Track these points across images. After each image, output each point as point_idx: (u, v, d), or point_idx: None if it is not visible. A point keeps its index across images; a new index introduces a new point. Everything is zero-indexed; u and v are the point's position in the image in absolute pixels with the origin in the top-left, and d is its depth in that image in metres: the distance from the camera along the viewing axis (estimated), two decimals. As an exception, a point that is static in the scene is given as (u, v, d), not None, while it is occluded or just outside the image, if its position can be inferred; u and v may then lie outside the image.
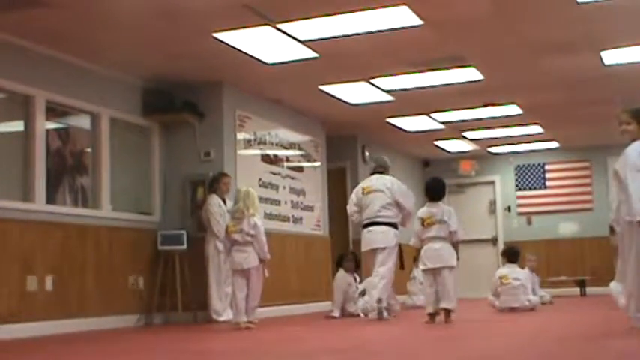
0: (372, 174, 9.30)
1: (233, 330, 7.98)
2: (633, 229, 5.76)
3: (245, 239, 8.07)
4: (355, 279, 10.19)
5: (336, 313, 9.82)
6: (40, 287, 8.23)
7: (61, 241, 8.59)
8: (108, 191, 9.39)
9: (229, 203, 9.60)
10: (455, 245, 7.89)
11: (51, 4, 7.22)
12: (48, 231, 8.43)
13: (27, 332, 7.86)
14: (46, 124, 8.60)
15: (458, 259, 7.91)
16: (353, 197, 9.27)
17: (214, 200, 9.55)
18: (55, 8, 7.34)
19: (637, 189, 5.71)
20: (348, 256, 10.54)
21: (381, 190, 8.89)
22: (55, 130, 8.94)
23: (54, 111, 8.83)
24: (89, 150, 9.40)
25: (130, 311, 9.45)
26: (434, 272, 7.79)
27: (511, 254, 10.35)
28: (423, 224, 7.91)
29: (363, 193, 9.05)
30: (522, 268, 10.67)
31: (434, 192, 8.10)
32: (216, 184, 9.67)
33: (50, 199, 8.61)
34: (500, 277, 9.91)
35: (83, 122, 9.37)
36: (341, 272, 10.15)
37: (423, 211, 8.00)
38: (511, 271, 9.98)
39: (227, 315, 9.38)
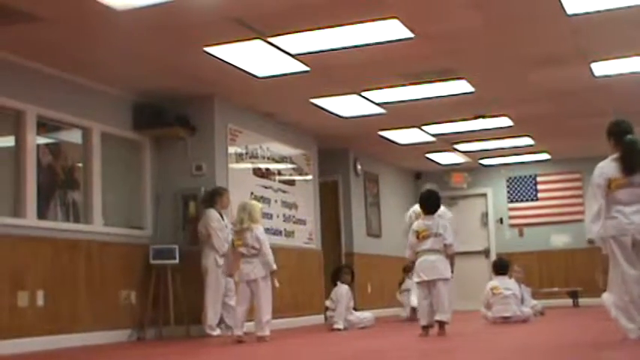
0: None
1: (229, 344, 7.94)
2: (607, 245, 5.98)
3: (251, 252, 8.11)
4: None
5: (341, 325, 9.83)
6: (31, 302, 8.18)
7: (52, 256, 8.55)
8: (99, 206, 9.36)
9: (226, 218, 9.62)
10: (450, 258, 7.88)
11: (43, 19, 7.21)
12: (39, 246, 8.39)
13: (18, 348, 7.80)
14: (37, 139, 8.57)
15: (453, 272, 7.90)
16: (407, 221, 10.09)
17: (214, 214, 9.54)
18: (46, 23, 7.32)
19: (590, 208, 6.10)
20: (345, 269, 10.59)
21: None
22: (46, 145, 8.92)
23: (45, 126, 8.80)
24: (80, 165, 9.37)
25: (122, 326, 9.40)
26: (428, 285, 7.77)
27: (499, 266, 10.37)
28: (417, 237, 7.88)
29: (416, 218, 9.91)
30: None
31: (429, 204, 8.08)
32: (217, 197, 9.65)
33: (41, 214, 8.56)
34: (492, 289, 9.93)
35: (74, 137, 9.34)
36: (342, 285, 10.14)
37: (419, 224, 7.98)
38: (502, 282, 9.99)
39: (220, 330, 9.36)
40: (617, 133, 6.06)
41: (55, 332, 8.39)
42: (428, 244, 7.82)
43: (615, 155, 6.01)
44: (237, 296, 8.24)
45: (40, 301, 8.29)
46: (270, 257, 8.18)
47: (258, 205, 8.50)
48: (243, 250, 8.16)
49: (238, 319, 8.11)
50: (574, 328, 8.84)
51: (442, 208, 10.46)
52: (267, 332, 8.08)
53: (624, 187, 5.89)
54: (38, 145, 8.63)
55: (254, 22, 7.62)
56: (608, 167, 5.98)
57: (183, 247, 9.85)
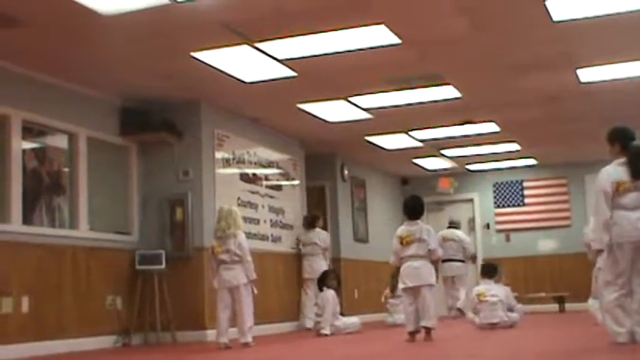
0: (449, 228, 14.03)
1: (215, 350, 7.92)
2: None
3: (233, 259, 8.08)
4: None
5: (327, 331, 9.80)
6: (16, 309, 8.13)
7: (38, 262, 8.49)
8: (85, 211, 9.32)
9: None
10: (434, 263, 7.87)
11: (28, 23, 7.18)
12: (24, 251, 8.33)
13: (2, 355, 7.73)
14: (22, 144, 8.53)
15: (437, 277, 7.89)
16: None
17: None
18: (31, 27, 7.29)
19: (597, 217, 6.02)
20: (331, 274, 10.56)
21: (454, 240, 13.74)
22: (32, 149, 8.87)
23: (30, 131, 8.76)
24: (66, 170, 9.32)
25: (108, 332, 9.36)
26: (413, 291, 7.76)
27: (486, 270, 10.32)
28: (401, 242, 7.85)
29: (442, 240, 12.23)
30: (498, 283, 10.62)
31: (412, 210, 8.06)
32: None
33: (26, 220, 8.51)
34: (478, 295, 9.89)
35: (60, 142, 9.30)
36: (328, 290, 10.12)
37: (402, 230, 7.96)
38: (488, 288, 9.93)
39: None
40: (623, 138, 6.10)
41: (39, 339, 8.33)
42: (412, 249, 7.78)
43: (621, 160, 6.03)
44: (219, 303, 8.20)
45: (24, 308, 8.24)
46: (252, 265, 8.17)
47: (236, 211, 8.47)
48: (224, 256, 8.12)
49: (222, 326, 8.08)
50: (562, 333, 8.85)
51: (460, 232, 14.18)
52: (249, 339, 8.07)
53: (631, 191, 5.91)
54: (24, 150, 8.59)
55: (241, 28, 7.61)
56: (615, 171, 6.00)
57: (169, 252, 9.82)
